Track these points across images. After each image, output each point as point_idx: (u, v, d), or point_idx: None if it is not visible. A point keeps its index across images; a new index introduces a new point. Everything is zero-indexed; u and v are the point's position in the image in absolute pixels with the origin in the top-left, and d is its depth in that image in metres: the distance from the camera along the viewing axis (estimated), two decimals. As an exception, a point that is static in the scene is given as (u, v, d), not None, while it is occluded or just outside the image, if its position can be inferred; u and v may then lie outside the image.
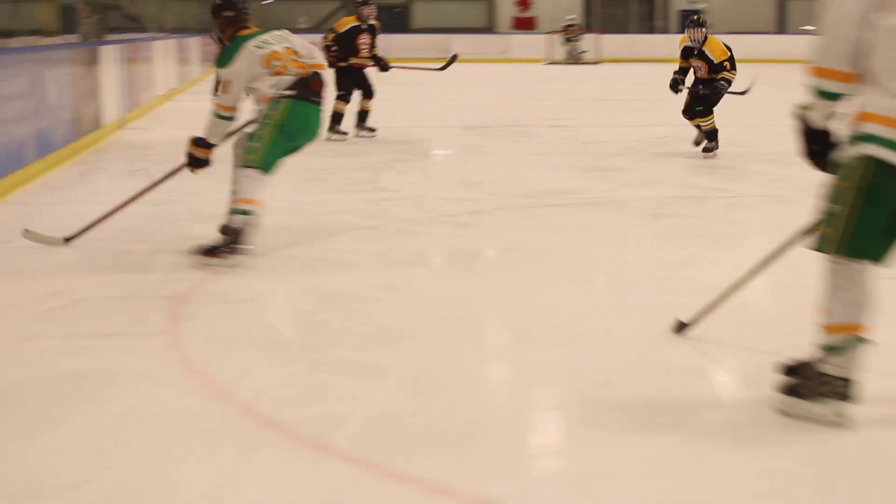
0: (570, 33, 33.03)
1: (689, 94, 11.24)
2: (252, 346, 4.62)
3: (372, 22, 12.48)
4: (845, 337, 3.55)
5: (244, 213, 6.01)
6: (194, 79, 23.12)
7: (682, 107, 11.26)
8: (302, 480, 3.23)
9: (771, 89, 15.24)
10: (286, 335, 4.91)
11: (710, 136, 10.92)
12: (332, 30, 12.44)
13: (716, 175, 9.53)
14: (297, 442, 3.53)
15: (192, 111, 15.95)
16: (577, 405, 3.88)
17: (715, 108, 10.95)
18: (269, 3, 42.14)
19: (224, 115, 6.26)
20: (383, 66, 12.58)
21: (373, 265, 6.00)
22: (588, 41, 33.34)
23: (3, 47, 9.25)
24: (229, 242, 5.92)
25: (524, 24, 41.10)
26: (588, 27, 36.46)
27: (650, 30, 40.81)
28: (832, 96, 3.58)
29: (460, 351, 4.51)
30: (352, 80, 12.37)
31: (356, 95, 12.43)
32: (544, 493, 3.16)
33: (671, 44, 34.91)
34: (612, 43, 34.77)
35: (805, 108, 3.68)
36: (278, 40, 6.29)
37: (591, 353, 4.43)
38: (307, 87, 6.21)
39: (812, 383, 3.63)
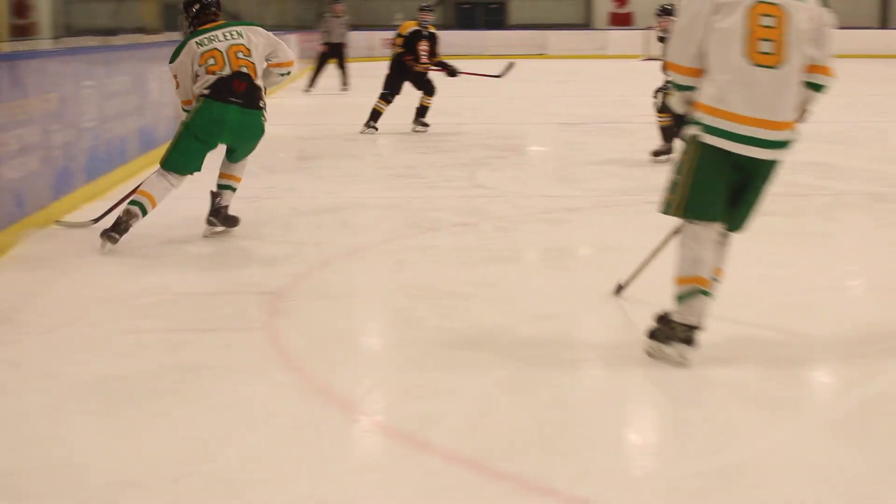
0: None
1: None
2: (350, 341, 4.65)
3: (431, 30, 12.64)
4: (687, 288, 4.19)
5: (135, 203, 6.28)
6: (292, 76, 23.31)
7: None
8: (400, 476, 3.24)
9: (871, 85, 14.95)
10: (383, 331, 4.93)
11: (667, 137, 9.87)
12: (398, 33, 12.65)
13: (817, 173, 9.36)
14: (395, 438, 3.53)
15: (290, 107, 16.14)
16: (675, 403, 3.85)
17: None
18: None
19: (184, 108, 6.50)
20: (451, 71, 12.78)
21: (469, 262, 5.99)
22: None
23: (106, 45, 9.39)
24: (113, 228, 6.19)
25: (621, 20, 40.81)
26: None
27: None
28: (682, 87, 4.24)
29: (557, 348, 4.48)
30: (402, 82, 12.60)
31: (412, 91, 12.66)
32: (642, 493, 3.13)
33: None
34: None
35: (668, 94, 4.41)
36: (229, 37, 6.36)
37: (689, 351, 4.37)
38: (225, 87, 6.28)
39: (664, 329, 4.25)
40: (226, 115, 6.30)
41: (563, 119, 14.46)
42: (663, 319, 4.29)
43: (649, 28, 32.90)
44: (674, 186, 4.23)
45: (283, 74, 6.70)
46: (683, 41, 4.14)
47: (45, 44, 9.53)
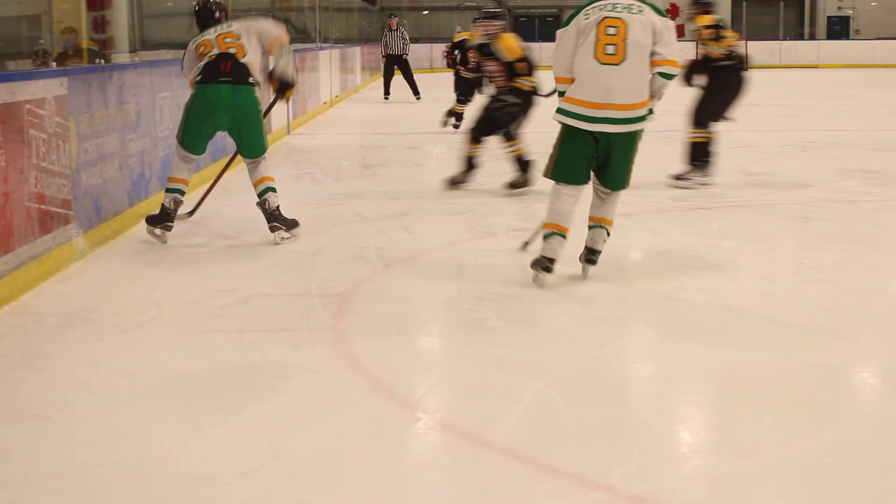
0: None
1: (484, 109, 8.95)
2: (413, 342, 4.66)
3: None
4: (549, 231, 5.47)
5: (167, 190, 6.64)
6: (356, 86, 23.43)
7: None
8: (461, 473, 3.23)
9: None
10: (445, 333, 4.92)
11: (521, 167, 8.78)
12: (451, 39, 13.72)
13: (864, 179, 9.25)
14: (457, 436, 3.53)
15: (354, 117, 16.20)
16: (727, 404, 3.80)
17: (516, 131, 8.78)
18: (426, 13, 42.53)
19: None
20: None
21: (527, 266, 5.96)
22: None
23: (179, 58, 9.46)
24: (157, 218, 6.58)
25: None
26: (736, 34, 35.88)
27: (799, 36, 39.93)
28: (562, 93, 5.44)
29: (614, 349, 4.46)
30: (467, 86, 13.42)
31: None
32: (695, 491, 3.10)
33: (820, 50, 34.11)
34: (761, 49, 34.12)
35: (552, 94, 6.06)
36: (220, 29, 6.63)
37: (739, 353, 4.34)
38: (214, 69, 6.49)
39: (536, 259, 5.52)
40: (219, 93, 6.50)
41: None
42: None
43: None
44: (549, 156, 5.55)
45: (285, 52, 6.84)
46: (563, 60, 5.41)
47: (122, 57, 9.62)
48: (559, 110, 5.41)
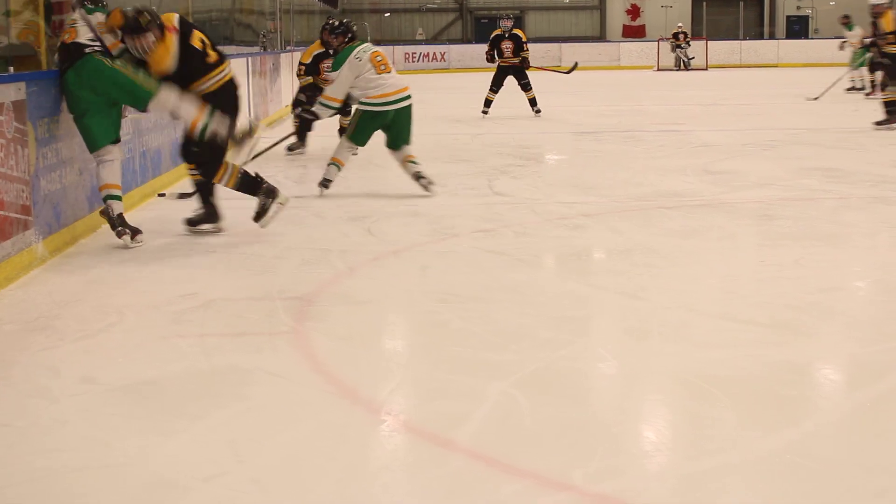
0: (679, 41, 32.68)
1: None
2: (375, 345, 4.65)
3: (516, 31, 16.23)
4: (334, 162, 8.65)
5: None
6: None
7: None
8: (425, 476, 3.22)
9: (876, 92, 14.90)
10: (407, 335, 4.92)
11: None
12: (485, 39, 16.82)
13: (824, 177, 9.32)
14: (421, 438, 3.52)
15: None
16: (690, 402, 3.82)
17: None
18: (388, 16, 42.51)
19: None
20: (523, 63, 15.96)
21: (490, 267, 5.98)
22: (696, 48, 32.94)
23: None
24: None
25: (634, 33, 40.84)
26: (696, 34, 36.07)
27: (759, 36, 40.20)
28: (334, 109, 8.60)
29: (576, 350, 4.47)
30: (501, 77, 16.16)
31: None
32: (659, 490, 3.10)
33: (779, 50, 34.37)
34: (720, 49, 34.40)
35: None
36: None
37: (702, 352, 4.36)
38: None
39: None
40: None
41: (579, 128, 14.45)
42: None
43: (661, 40, 32.96)
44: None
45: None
46: (340, 87, 8.38)
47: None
48: (364, 104, 8.44)
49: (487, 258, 6.19)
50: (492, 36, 16.40)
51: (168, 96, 6.50)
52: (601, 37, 41.18)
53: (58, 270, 6.02)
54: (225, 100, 6.89)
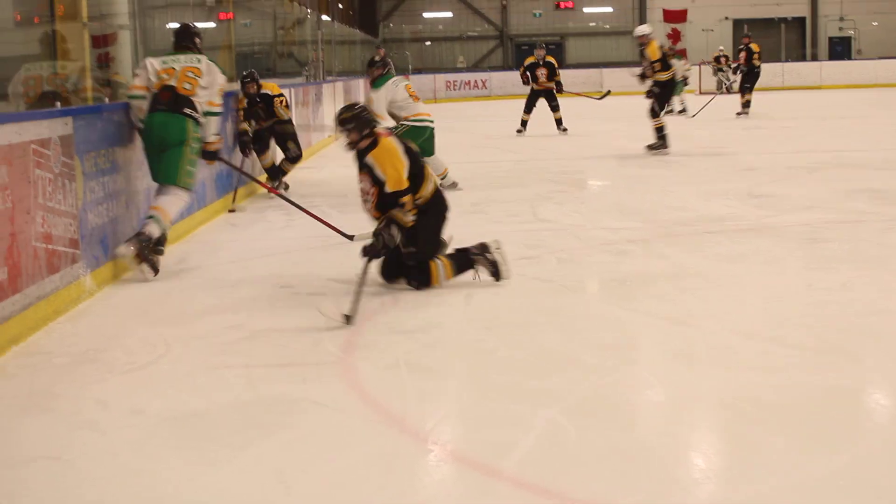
0: (720, 64, 32.55)
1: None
2: (422, 374, 4.63)
3: (549, 59, 17.95)
4: None
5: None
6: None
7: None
8: (473, 503, 3.21)
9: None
10: (454, 363, 4.90)
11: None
12: (522, 64, 18.29)
13: (871, 199, 9.23)
14: (468, 467, 3.51)
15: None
16: (739, 428, 3.78)
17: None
18: (428, 44, 42.69)
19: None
20: (558, 88, 17.70)
21: (535, 293, 5.96)
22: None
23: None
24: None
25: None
26: (737, 58, 35.95)
27: (801, 57, 39.99)
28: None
29: (622, 376, 4.45)
30: (534, 100, 17.89)
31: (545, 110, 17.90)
32: (711, 518, 3.08)
33: (822, 71, 34.14)
34: (763, 72, 34.15)
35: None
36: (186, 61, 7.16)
37: (750, 376, 4.32)
38: (154, 98, 6.95)
39: None
40: (154, 121, 6.89)
41: (621, 153, 14.41)
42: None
43: (702, 63, 32.84)
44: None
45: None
46: (381, 106, 9.66)
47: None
48: (405, 123, 10.02)
49: (532, 285, 6.18)
50: (526, 63, 18.10)
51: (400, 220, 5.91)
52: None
53: (106, 303, 6.07)
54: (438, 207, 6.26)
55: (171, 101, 6.84)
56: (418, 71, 36.63)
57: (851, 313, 5.32)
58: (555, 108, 17.94)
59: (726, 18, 41.24)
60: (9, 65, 8.69)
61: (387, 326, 5.37)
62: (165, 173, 6.85)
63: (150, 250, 6.60)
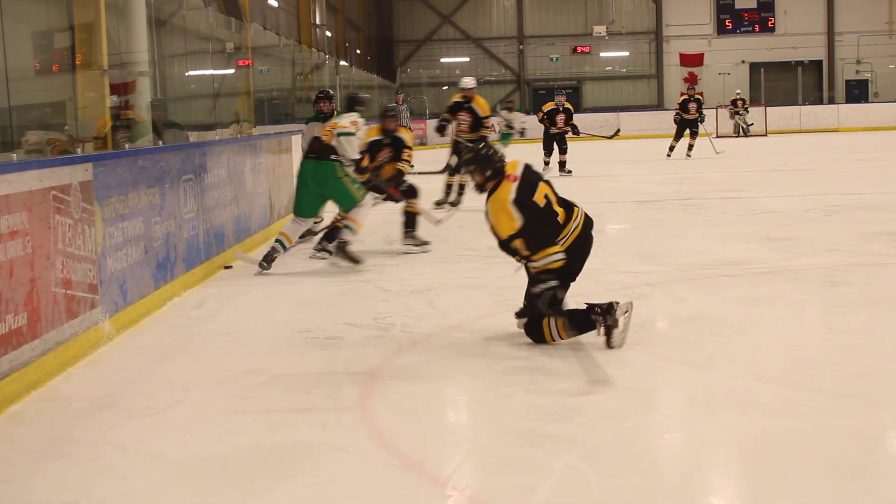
0: (737, 107, 32.60)
1: None
2: (441, 419, 4.63)
3: (566, 105, 18.97)
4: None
5: (278, 241, 8.76)
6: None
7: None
8: (493, 551, 3.20)
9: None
10: (472, 408, 4.90)
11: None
12: (541, 110, 19.28)
13: (890, 241, 9.21)
14: (487, 512, 3.50)
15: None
16: (761, 474, 3.76)
17: None
18: (445, 89, 42.84)
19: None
20: (574, 131, 18.82)
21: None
22: (755, 114, 32.82)
23: (206, 140, 9.60)
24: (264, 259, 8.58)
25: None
26: (754, 100, 36.00)
27: (818, 100, 40.02)
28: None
29: (643, 420, 4.43)
30: (551, 142, 18.97)
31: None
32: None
33: (839, 114, 34.16)
34: (780, 115, 34.21)
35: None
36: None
37: (772, 421, 4.30)
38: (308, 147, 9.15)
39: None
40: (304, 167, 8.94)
41: (639, 197, 14.42)
42: None
43: (719, 107, 32.89)
44: None
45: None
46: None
47: (146, 141, 9.72)
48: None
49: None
50: (546, 110, 19.15)
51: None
52: (659, 105, 41.17)
53: (125, 348, 6.08)
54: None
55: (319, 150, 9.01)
56: (435, 115, 36.74)
57: (873, 357, 5.30)
58: (563, 150, 18.88)
59: (743, 62, 41.32)
60: (29, 112, 8.77)
61: (404, 371, 5.37)
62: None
63: (345, 251, 8.57)
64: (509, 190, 5.72)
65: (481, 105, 13.70)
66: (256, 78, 14.85)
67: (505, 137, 22.12)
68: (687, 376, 5.15)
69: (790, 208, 12.22)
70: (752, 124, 32.55)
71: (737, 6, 41.58)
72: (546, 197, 5.85)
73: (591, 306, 5.70)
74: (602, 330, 5.65)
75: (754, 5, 41.56)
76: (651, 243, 9.75)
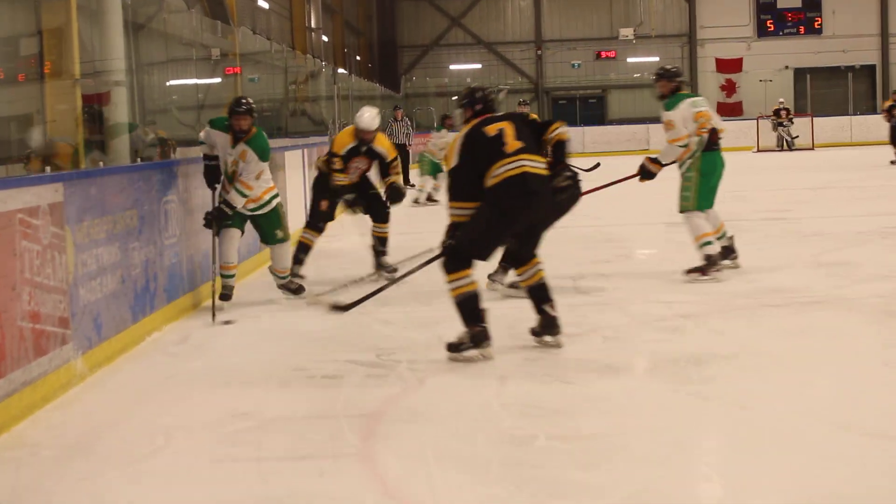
0: (780, 118, 32.61)
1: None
2: (453, 465, 4.61)
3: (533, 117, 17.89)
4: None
5: None
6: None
7: None
8: None
9: None
10: (487, 453, 4.89)
11: None
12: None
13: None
14: (505, 571, 3.49)
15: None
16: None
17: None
18: (455, 99, 42.95)
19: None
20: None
21: (576, 376, 5.94)
22: (800, 125, 32.81)
23: (190, 157, 9.60)
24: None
25: (730, 111, 40.74)
26: (800, 110, 36.02)
27: (870, 110, 40.04)
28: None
29: (677, 466, 4.42)
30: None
31: None
32: None
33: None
34: (828, 126, 34.20)
35: None
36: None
37: (824, 468, 4.29)
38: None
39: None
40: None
41: (671, 218, 14.40)
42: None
43: (761, 118, 32.92)
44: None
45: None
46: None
47: (122, 158, 9.76)
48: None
49: (573, 366, 6.16)
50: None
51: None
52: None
53: (99, 388, 6.09)
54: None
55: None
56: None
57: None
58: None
59: (786, 68, 41.37)
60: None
61: (411, 412, 5.37)
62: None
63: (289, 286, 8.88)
64: (467, 128, 6.48)
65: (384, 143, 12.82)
66: (245, 87, 14.93)
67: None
68: (727, 417, 5.13)
69: (841, 230, 12.21)
70: (797, 137, 32.56)
71: (779, 5, 41.57)
72: (501, 130, 6.43)
73: (481, 313, 6.38)
74: (458, 338, 6.35)
75: (799, 4, 41.52)
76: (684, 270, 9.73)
